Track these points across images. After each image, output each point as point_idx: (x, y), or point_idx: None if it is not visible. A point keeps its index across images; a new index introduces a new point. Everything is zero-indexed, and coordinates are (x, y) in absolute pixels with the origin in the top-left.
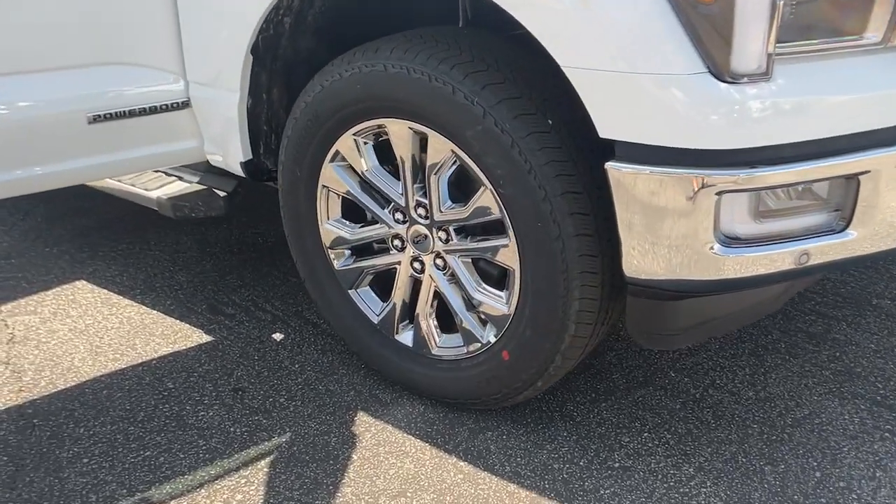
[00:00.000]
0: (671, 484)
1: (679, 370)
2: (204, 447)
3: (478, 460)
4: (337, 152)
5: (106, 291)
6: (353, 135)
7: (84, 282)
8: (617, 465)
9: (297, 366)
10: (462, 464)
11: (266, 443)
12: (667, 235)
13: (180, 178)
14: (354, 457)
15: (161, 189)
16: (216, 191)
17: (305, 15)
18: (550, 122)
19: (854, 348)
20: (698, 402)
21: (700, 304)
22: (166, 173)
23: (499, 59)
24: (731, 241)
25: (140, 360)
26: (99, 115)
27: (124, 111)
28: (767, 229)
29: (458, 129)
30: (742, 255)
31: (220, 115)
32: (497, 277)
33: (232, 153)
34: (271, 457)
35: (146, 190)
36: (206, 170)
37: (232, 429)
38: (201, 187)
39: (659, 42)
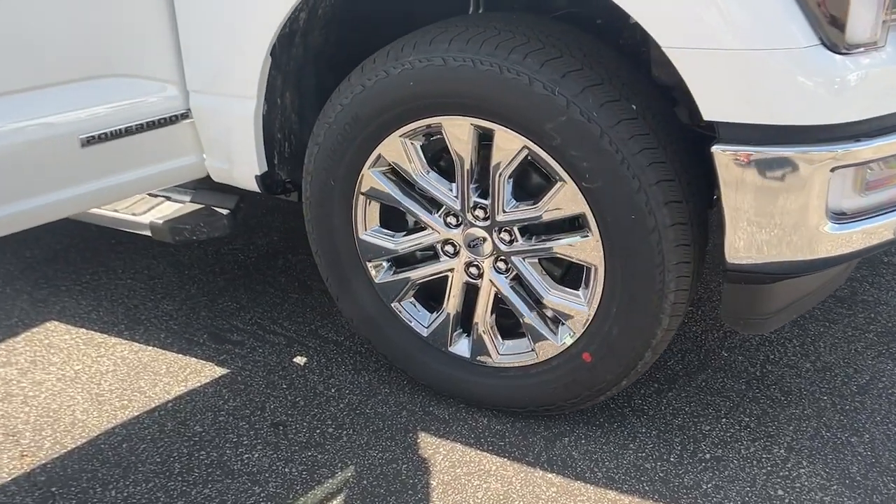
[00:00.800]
0: (769, 468)
1: (730, 349)
2: (262, 494)
3: (565, 470)
4: (379, 156)
5: (85, 331)
6: (401, 136)
7: (55, 322)
8: (708, 455)
9: (333, 390)
10: (551, 475)
11: (330, 480)
12: (778, 217)
13: (168, 199)
14: (433, 483)
15: (151, 212)
16: (217, 209)
17: (317, 8)
18: (634, 107)
19: (885, 308)
20: (761, 380)
21: (791, 285)
22: (152, 194)
23: (568, 45)
24: (838, 216)
25: (153, 404)
26: (93, 137)
27: (120, 129)
28: (869, 202)
29: (535, 123)
30: (848, 231)
31: (229, 125)
32: (560, 276)
33: (243, 166)
34: (342, 495)
35: (134, 215)
36: (197, 187)
37: (286, 469)
38: (198, 206)
39: (770, 16)
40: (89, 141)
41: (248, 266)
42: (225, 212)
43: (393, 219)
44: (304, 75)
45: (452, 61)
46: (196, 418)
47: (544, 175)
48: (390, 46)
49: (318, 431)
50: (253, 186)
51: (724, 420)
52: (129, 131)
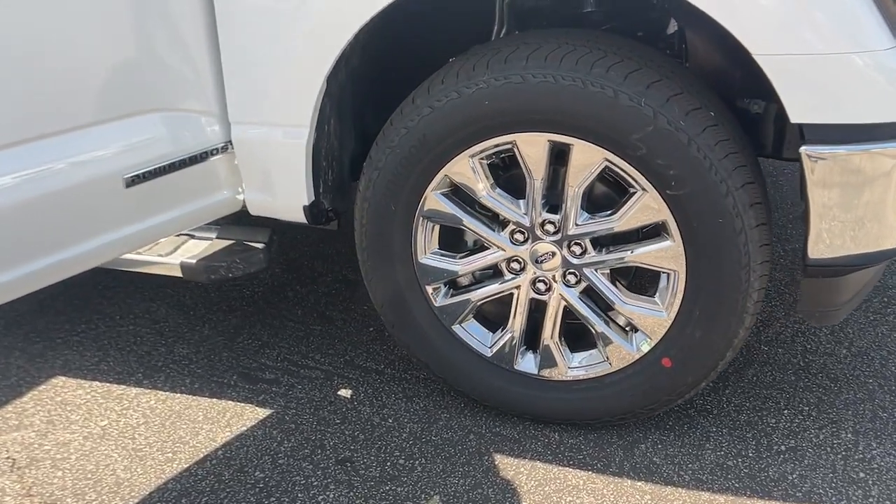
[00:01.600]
0: (843, 453)
1: (768, 343)
2: None
3: (652, 476)
4: (445, 177)
5: (99, 384)
6: (470, 156)
7: (62, 378)
8: (783, 447)
9: (390, 420)
10: (640, 483)
11: None
12: (861, 210)
13: (192, 237)
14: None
15: (178, 252)
16: (251, 244)
17: (359, 33)
18: (713, 114)
19: (894, 291)
20: (806, 370)
21: (859, 275)
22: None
23: (642, 57)
24: None
25: (200, 454)
26: (137, 175)
27: (162, 166)
28: None
29: (620, 134)
30: None
31: (276, 155)
32: (626, 284)
33: (290, 197)
34: None
35: (161, 256)
36: (223, 223)
37: None
38: (229, 242)
39: (852, 21)
40: (133, 180)
41: (257, 301)
42: (260, 246)
43: (451, 240)
44: (344, 99)
45: (532, 78)
46: (253, 464)
47: (616, 185)
48: (458, 67)
49: (388, 464)
50: (297, 218)
51: (785, 412)
52: (171, 167)
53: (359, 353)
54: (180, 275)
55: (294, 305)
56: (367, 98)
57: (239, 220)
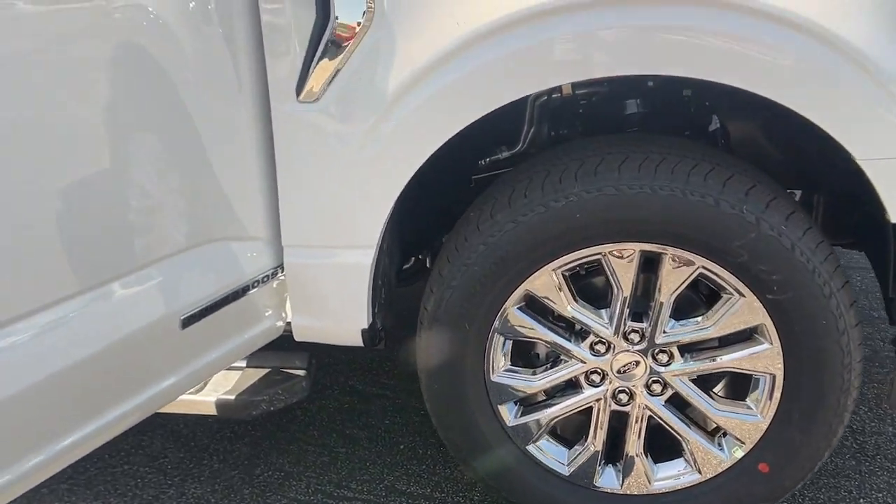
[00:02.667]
0: None
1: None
2: None
3: None
4: (526, 293)
5: None
6: (554, 269)
7: None
8: None
9: None
10: None
11: None
12: None
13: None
14: None
15: (211, 388)
16: (291, 371)
17: None
18: (805, 216)
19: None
20: (862, 451)
21: None
22: None
23: (727, 162)
24: None
25: None
26: (193, 315)
27: (218, 300)
28: None
29: (720, 242)
30: None
31: (335, 278)
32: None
33: (347, 321)
34: None
35: (191, 394)
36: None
37: None
38: (265, 371)
39: None
40: (189, 320)
41: (263, 424)
42: (301, 372)
43: (520, 355)
44: (394, 214)
45: (628, 189)
46: None
47: (700, 289)
48: (541, 180)
49: None
50: (354, 342)
51: (861, 500)
52: (225, 301)
53: (398, 477)
54: (215, 413)
55: (307, 426)
56: (408, 210)
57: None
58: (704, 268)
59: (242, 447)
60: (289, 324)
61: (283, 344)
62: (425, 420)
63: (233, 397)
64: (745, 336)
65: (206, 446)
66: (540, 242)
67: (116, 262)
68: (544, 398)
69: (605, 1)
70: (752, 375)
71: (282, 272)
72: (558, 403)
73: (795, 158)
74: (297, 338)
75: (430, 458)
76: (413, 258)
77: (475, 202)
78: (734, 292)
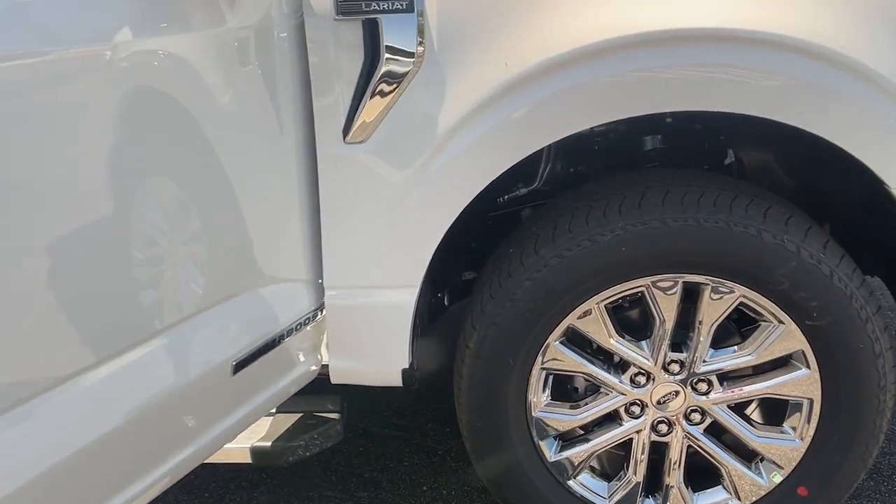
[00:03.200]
0: None
1: None
2: None
3: None
4: (569, 327)
5: None
6: (598, 303)
7: None
8: None
9: None
10: None
11: None
12: None
13: None
14: None
15: (246, 437)
16: (324, 415)
17: None
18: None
19: None
20: (878, 472)
21: None
22: None
23: (761, 194)
24: None
25: None
26: (244, 359)
27: (266, 344)
28: None
29: (763, 271)
30: None
31: (377, 319)
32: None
33: (387, 362)
34: None
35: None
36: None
37: None
38: (297, 416)
39: None
40: (239, 366)
41: (280, 473)
42: (335, 416)
43: (557, 389)
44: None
45: (673, 222)
46: None
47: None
48: (585, 215)
49: None
50: (393, 382)
51: None
52: (271, 344)
53: None
54: (251, 461)
55: (325, 471)
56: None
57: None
58: (745, 297)
59: (259, 496)
60: (324, 366)
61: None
62: (444, 460)
63: (269, 444)
64: (782, 362)
65: (220, 496)
66: (586, 276)
67: (170, 311)
68: (581, 433)
69: (651, 41)
70: (787, 400)
71: (321, 314)
72: (599, 437)
73: (808, 188)
74: (334, 380)
75: (454, 499)
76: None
77: (513, 238)
78: (773, 320)
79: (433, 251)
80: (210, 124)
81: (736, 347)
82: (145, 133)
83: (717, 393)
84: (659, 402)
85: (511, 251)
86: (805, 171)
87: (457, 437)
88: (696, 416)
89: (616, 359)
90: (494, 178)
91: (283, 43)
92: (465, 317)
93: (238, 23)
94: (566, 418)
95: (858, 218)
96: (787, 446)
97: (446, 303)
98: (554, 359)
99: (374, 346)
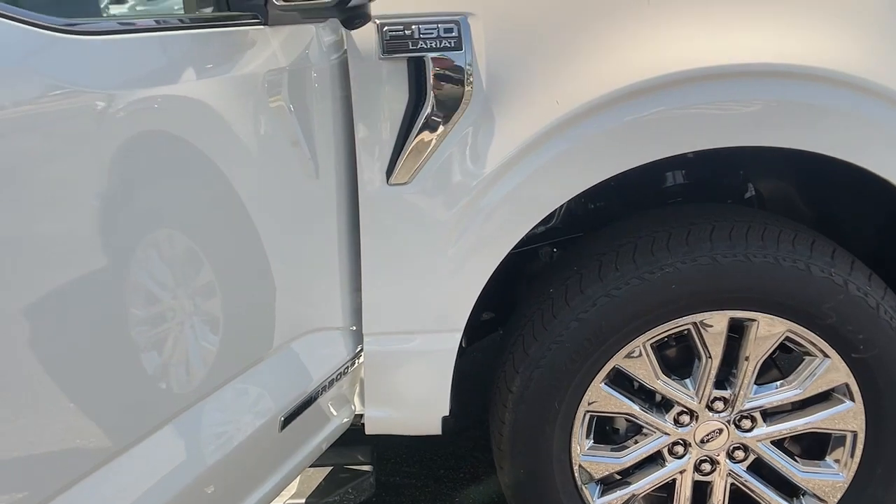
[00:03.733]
0: None
1: None
2: None
3: None
4: (614, 367)
5: None
6: (644, 342)
7: None
8: None
9: None
10: None
11: None
12: None
13: None
14: None
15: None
16: (357, 468)
17: None
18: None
19: None
20: None
21: None
22: None
23: (801, 228)
24: None
25: None
26: (290, 414)
27: (307, 398)
28: None
29: (811, 306)
30: None
31: (420, 365)
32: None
33: (427, 410)
34: None
35: None
36: None
37: None
38: (327, 470)
39: None
40: (287, 420)
41: None
42: (367, 468)
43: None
44: None
45: (722, 258)
46: None
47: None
48: (631, 252)
49: None
50: (432, 430)
51: None
52: (313, 397)
53: None
54: None
55: None
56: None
57: None
58: (791, 331)
59: None
60: (357, 416)
61: None
62: None
63: (302, 501)
64: (823, 396)
65: None
66: (634, 315)
67: (219, 371)
68: (618, 477)
69: (698, 77)
70: (829, 434)
71: (357, 362)
72: (641, 479)
73: (825, 218)
74: (370, 431)
75: None
76: None
77: (552, 278)
78: (819, 353)
79: (478, 294)
80: (245, 169)
81: (781, 383)
82: (180, 182)
83: (761, 429)
84: (702, 441)
85: (551, 291)
86: (823, 201)
87: (472, 483)
88: (740, 454)
89: (657, 398)
90: (543, 217)
91: (322, 83)
92: (504, 359)
93: (274, 63)
94: (611, 461)
95: (879, 246)
96: (830, 480)
97: (463, 344)
98: (599, 401)
99: (415, 393)
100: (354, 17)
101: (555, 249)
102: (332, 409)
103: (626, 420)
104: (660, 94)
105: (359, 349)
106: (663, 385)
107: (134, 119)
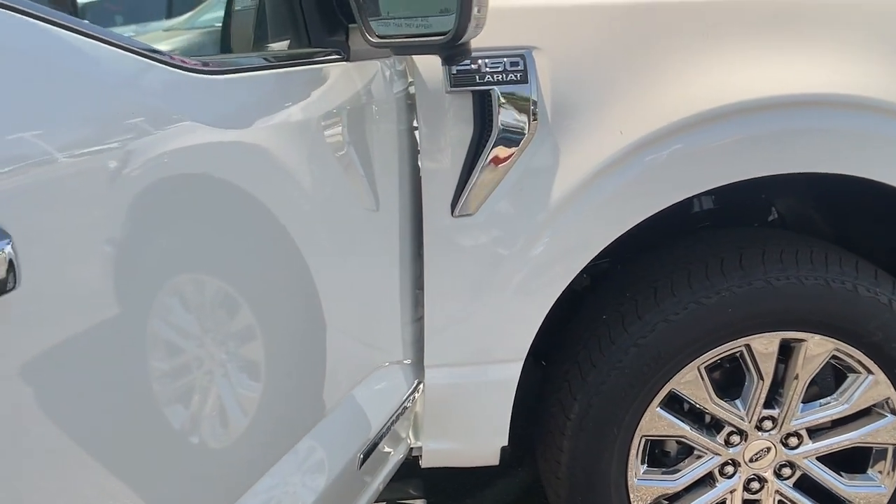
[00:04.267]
0: None
1: None
2: None
3: None
4: (669, 392)
5: None
6: (699, 365)
7: None
8: None
9: None
10: None
11: None
12: None
13: None
14: None
15: None
16: (409, 502)
17: None
18: None
19: None
20: None
21: None
22: None
23: (840, 249)
24: None
25: None
26: (367, 452)
27: (379, 433)
28: None
29: (859, 325)
30: None
31: (481, 396)
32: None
33: (487, 441)
34: None
35: None
36: None
37: None
38: None
39: None
40: (364, 457)
41: None
42: (421, 501)
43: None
44: None
45: (776, 281)
46: None
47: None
48: (685, 278)
49: None
50: (490, 461)
51: None
52: (383, 433)
53: None
54: None
55: None
56: None
57: None
58: (838, 349)
59: None
60: (411, 450)
61: None
62: None
63: None
64: (866, 410)
65: None
66: (692, 339)
67: (303, 416)
68: (666, 502)
69: (760, 106)
70: (871, 447)
71: (417, 394)
72: (693, 501)
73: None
74: (426, 464)
75: None
76: None
77: (604, 305)
78: (863, 370)
79: (541, 321)
80: (311, 204)
81: (828, 399)
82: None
83: (808, 446)
84: (751, 460)
85: (604, 318)
86: (842, 220)
87: None
88: (787, 471)
89: (707, 419)
90: (607, 244)
91: (387, 116)
92: (556, 387)
93: (342, 98)
94: (665, 484)
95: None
96: (874, 493)
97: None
98: (655, 425)
99: (476, 424)
100: (457, 54)
101: (584, 275)
102: (395, 443)
103: (677, 443)
104: (728, 121)
105: (416, 382)
106: (717, 407)
107: (227, 158)
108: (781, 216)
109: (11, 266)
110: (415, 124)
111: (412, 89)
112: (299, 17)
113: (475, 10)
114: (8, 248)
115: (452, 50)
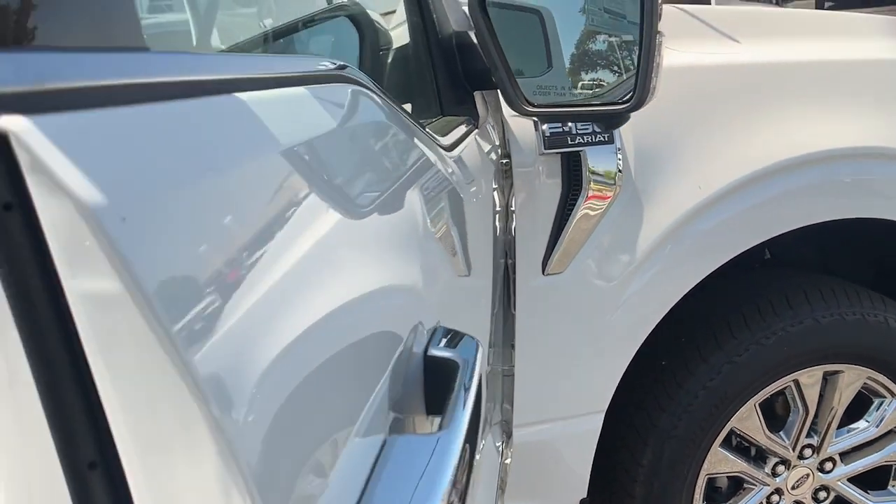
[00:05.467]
0: None
1: None
2: None
3: None
4: (731, 431)
5: None
6: (755, 403)
7: None
8: None
9: None
10: None
11: None
12: None
13: None
14: None
15: None
16: None
17: None
18: None
19: None
20: None
21: None
22: None
23: (857, 286)
24: None
25: None
26: None
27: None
28: None
29: (890, 354)
30: None
31: (564, 450)
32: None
33: (566, 494)
34: None
35: None
36: None
37: None
38: None
39: None
40: None
41: None
42: None
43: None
44: None
45: (823, 319)
46: None
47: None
48: (742, 320)
49: None
50: None
51: None
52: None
53: None
54: None
55: None
56: None
57: None
58: (870, 378)
59: None
60: None
61: None
62: None
63: None
64: (890, 431)
65: None
66: (753, 380)
67: None
68: None
69: (816, 160)
70: (892, 465)
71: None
72: None
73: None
74: None
75: None
76: None
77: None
78: (888, 394)
79: (622, 372)
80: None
81: (860, 424)
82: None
83: (840, 469)
84: (793, 487)
85: (664, 363)
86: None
87: None
88: (822, 494)
89: (753, 451)
90: (683, 296)
91: (478, 179)
92: (621, 433)
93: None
94: None
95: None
96: None
97: None
98: (716, 463)
99: (560, 479)
100: (623, 121)
101: None
102: None
103: (728, 477)
104: (799, 171)
105: (504, 440)
106: (769, 440)
107: None
108: (773, 256)
109: None
110: (494, 185)
111: (496, 153)
112: (430, 84)
113: (654, 80)
114: None
115: (622, 118)
